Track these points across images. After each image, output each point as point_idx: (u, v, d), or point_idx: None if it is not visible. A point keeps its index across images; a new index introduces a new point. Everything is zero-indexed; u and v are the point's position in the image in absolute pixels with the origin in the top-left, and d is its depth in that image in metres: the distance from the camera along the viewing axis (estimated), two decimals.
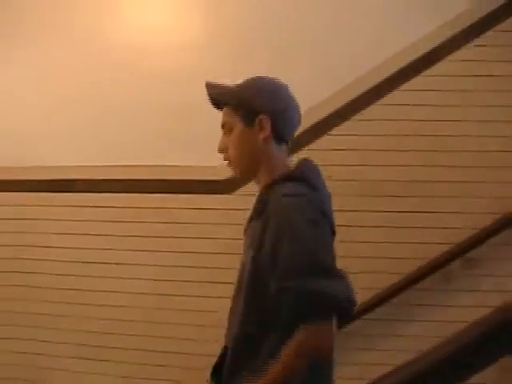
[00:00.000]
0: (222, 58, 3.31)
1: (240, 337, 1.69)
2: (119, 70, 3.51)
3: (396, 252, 3.31)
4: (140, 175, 3.39)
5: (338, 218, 1.76)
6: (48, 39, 3.70)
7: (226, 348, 1.76)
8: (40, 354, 3.35)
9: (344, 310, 1.55)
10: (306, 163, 1.84)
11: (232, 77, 1.97)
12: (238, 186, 3.27)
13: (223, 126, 1.87)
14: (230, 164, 1.87)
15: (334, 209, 1.78)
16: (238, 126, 1.83)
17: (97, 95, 3.52)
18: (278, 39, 3.43)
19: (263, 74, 1.88)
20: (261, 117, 1.79)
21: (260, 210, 1.73)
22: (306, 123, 2.80)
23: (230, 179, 3.19)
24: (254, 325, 1.66)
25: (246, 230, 1.82)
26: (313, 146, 3.38)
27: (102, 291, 3.38)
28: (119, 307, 3.28)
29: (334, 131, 3.42)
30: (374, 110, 3.41)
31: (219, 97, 1.88)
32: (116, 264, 3.38)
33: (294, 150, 2.33)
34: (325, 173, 1.81)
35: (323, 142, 3.40)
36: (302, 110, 1.87)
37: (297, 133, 1.91)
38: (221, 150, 1.87)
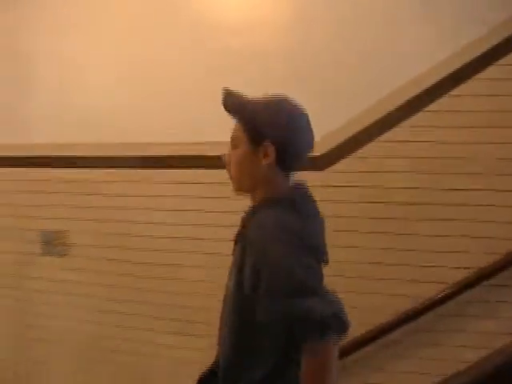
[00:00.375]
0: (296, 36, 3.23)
1: (232, 351, 1.74)
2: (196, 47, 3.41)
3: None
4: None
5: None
6: (117, 14, 3.58)
7: (217, 359, 1.81)
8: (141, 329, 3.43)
9: (330, 326, 1.53)
10: (296, 189, 1.83)
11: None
12: (331, 162, 3.15)
13: (231, 140, 1.86)
14: (230, 178, 1.88)
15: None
16: (244, 145, 1.82)
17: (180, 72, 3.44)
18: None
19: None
20: (266, 144, 1.77)
21: (242, 233, 1.77)
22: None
23: (323, 155, 3.12)
24: (245, 340, 1.71)
25: (235, 242, 1.84)
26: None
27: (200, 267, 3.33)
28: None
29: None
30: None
31: (232, 110, 1.86)
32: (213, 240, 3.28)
33: None
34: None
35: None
36: None
37: None
38: (226, 164, 1.87)
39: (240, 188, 1.88)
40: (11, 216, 3.79)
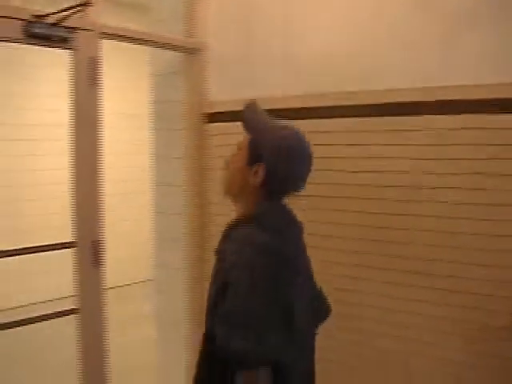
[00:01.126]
0: None
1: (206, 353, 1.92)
2: None
3: None
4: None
5: None
6: None
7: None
8: (350, 291, 3.36)
9: (260, 361, 1.71)
10: (270, 207, 1.95)
11: None
12: None
13: (237, 144, 2.05)
14: (223, 179, 2.07)
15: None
16: (243, 158, 1.98)
17: None
18: None
19: None
20: (259, 165, 1.92)
21: (220, 250, 1.95)
22: None
23: None
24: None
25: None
26: None
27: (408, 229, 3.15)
28: (430, 246, 3.12)
29: None
30: None
31: (245, 124, 2.03)
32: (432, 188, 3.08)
33: None
34: None
35: None
36: None
37: None
38: (225, 165, 2.07)
39: (227, 192, 2.05)
40: None
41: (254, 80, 3.77)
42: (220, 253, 1.94)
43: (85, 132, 3.18)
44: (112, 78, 6.42)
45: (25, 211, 7.74)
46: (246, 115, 2.04)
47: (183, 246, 3.99)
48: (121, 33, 3.41)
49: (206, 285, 3.85)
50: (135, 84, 8.55)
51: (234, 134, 3.77)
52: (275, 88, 3.65)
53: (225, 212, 3.82)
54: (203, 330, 1.92)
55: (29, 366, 5.58)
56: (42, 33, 2.90)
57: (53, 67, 7.47)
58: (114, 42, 3.46)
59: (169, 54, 4.00)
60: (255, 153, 1.95)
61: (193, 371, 1.99)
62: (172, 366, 4.18)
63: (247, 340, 1.68)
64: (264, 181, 1.92)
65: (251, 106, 2.05)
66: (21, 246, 3.10)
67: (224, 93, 3.92)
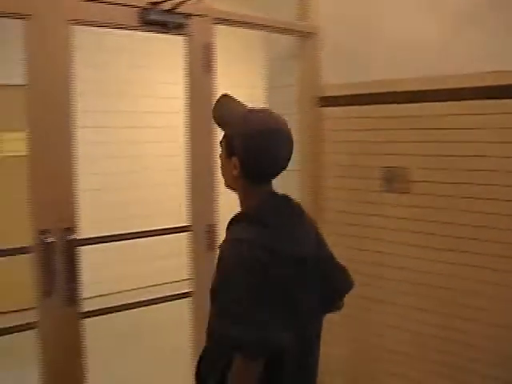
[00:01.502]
0: None
1: (207, 349, 2.06)
2: None
3: None
4: None
5: None
6: None
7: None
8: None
9: (251, 350, 1.82)
10: (266, 202, 2.03)
11: None
12: None
13: (219, 143, 2.13)
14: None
15: None
16: (223, 154, 2.09)
17: None
18: None
19: None
20: (233, 158, 2.00)
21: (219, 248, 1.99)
22: None
23: None
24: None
25: None
26: None
27: None
28: None
29: None
30: None
31: (216, 122, 2.15)
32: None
33: None
34: None
35: None
36: None
37: None
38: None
39: (226, 186, 2.14)
40: (353, 154, 3.79)
41: (368, 63, 3.72)
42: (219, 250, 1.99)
43: (200, 118, 3.22)
44: (224, 64, 6.46)
45: (141, 197, 7.97)
46: (214, 113, 2.16)
47: None
48: (234, 18, 3.42)
49: None
50: (246, 70, 8.60)
51: (349, 118, 3.79)
52: (389, 71, 3.58)
53: (339, 196, 3.80)
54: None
55: (144, 348, 5.75)
56: (158, 19, 2.95)
57: (167, 55, 7.62)
58: (228, 28, 3.47)
59: (283, 39, 3.98)
60: (229, 146, 2.04)
61: None
62: None
63: (238, 329, 1.81)
64: (241, 171, 2.00)
65: (219, 102, 2.14)
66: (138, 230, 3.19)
67: (338, 76, 3.87)
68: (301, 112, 3.93)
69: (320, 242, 2.19)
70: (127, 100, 7.81)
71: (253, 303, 1.83)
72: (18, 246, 2.70)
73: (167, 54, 7.67)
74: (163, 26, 3.00)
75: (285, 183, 4.01)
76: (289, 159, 2.06)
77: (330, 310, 2.21)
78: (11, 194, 6.88)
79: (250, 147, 1.96)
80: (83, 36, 3.23)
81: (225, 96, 2.16)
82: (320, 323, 2.17)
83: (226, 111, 2.11)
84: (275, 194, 2.11)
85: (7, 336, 2.78)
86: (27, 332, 2.75)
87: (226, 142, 2.06)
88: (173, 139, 7.54)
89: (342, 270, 2.28)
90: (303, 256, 2.02)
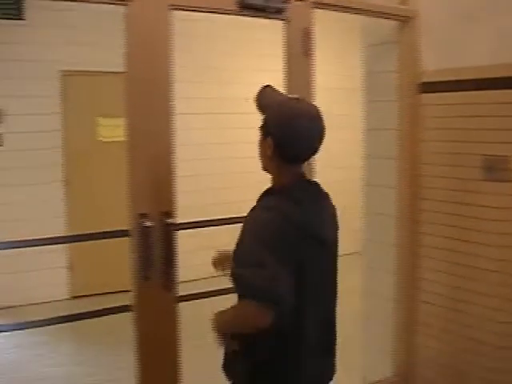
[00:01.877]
0: None
1: None
2: None
3: None
4: None
5: None
6: None
7: None
8: None
9: (261, 296, 1.98)
10: (297, 182, 2.24)
11: None
12: None
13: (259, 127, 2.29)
14: None
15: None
16: (261, 136, 2.27)
17: None
18: None
19: None
20: (268, 138, 2.20)
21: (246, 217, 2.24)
22: None
23: None
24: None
25: None
26: None
27: None
28: None
29: None
30: None
31: (258, 108, 2.31)
32: None
33: None
34: None
35: None
36: None
37: None
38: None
39: (263, 168, 2.32)
40: (452, 141, 3.68)
41: (469, 48, 3.59)
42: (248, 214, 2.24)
43: None
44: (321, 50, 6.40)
45: (232, 183, 8.03)
46: (256, 99, 2.32)
47: (394, 221, 3.90)
48: (333, 2, 3.37)
49: (418, 262, 3.78)
50: (342, 56, 8.52)
51: (448, 105, 3.68)
52: (492, 56, 3.46)
53: (438, 185, 3.70)
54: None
55: None
56: (258, 4, 2.95)
57: (257, 42, 7.65)
58: (325, 13, 3.42)
59: (382, 24, 3.90)
60: (265, 128, 2.23)
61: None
62: (377, 341, 4.14)
63: (255, 274, 2.00)
64: (274, 150, 2.18)
65: (261, 90, 2.33)
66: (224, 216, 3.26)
67: (438, 62, 3.76)
68: (400, 98, 3.84)
69: (337, 228, 2.39)
70: (220, 87, 7.87)
71: (272, 259, 2.00)
72: (117, 229, 2.76)
73: (259, 41, 7.70)
74: (262, 11, 2.99)
75: (382, 170, 3.98)
76: (319, 144, 2.23)
77: None
78: (108, 178, 7.08)
79: (282, 128, 2.16)
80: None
81: (267, 86, 2.35)
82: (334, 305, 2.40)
83: (266, 98, 2.31)
84: (305, 176, 2.31)
85: (107, 316, 2.86)
86: (125, 314, 2.82)
87: (263, 125, 2.25)
88: None
89: None
90: (325, 238, 2.26)
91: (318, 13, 3.28)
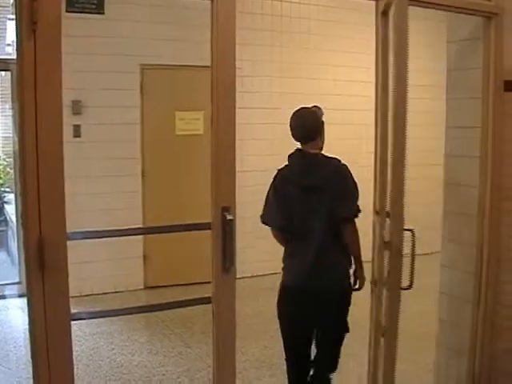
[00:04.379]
0: None
1: None
2: None
3: None
4: None
5: None
6: None
7: None
8: None
9: (268, 224, 3.78)
10: (295, 152, 3.73)
11: None
12: None
13: None
14: None
15: None
16: None
17: None
18: None
19: None
20: None
21: None
22: None
23: None
24: None
25: None
26: None
27: None
28: None
29: None
30: None
31: None
32: None
33: None
34: None
35: None
36: None
37: None
38: None
39: None
40: None
41: None
42: None
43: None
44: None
45: None
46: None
47: (475, 220, 3.82)
48: None
49: (500, 264, 3.69)
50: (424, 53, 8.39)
51: None
52: None
53: None
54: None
55: None
56: None
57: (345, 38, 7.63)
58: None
59: (467, 20, 3.82)
60: None
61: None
62: (452, 343, 4.08)
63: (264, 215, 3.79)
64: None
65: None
66: None
67: None
68: (484, 96, 3.75)
69: (337, 179, 3.59)
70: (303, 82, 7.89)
71: (271, 204, 3.73)
72: (197, 222, 2.79)
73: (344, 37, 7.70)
74: None
75: (464, 169, 3.89)
76: (303, 132, 3.69)
77: (333, 228, 3.59)
78: (185, 171, 7.16)
79: (290, 123, 3.73)
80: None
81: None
82: (325, 233, 3.57)
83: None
84: (302, 150, 3.71)
85: (181, 308, 2.89)
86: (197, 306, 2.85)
87: None
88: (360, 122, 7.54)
89: (347, 200, 3.60)
90: (307, 184, 3.58)
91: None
